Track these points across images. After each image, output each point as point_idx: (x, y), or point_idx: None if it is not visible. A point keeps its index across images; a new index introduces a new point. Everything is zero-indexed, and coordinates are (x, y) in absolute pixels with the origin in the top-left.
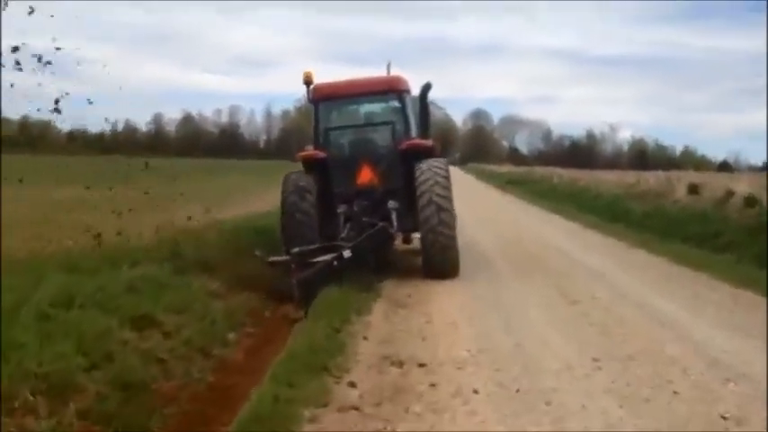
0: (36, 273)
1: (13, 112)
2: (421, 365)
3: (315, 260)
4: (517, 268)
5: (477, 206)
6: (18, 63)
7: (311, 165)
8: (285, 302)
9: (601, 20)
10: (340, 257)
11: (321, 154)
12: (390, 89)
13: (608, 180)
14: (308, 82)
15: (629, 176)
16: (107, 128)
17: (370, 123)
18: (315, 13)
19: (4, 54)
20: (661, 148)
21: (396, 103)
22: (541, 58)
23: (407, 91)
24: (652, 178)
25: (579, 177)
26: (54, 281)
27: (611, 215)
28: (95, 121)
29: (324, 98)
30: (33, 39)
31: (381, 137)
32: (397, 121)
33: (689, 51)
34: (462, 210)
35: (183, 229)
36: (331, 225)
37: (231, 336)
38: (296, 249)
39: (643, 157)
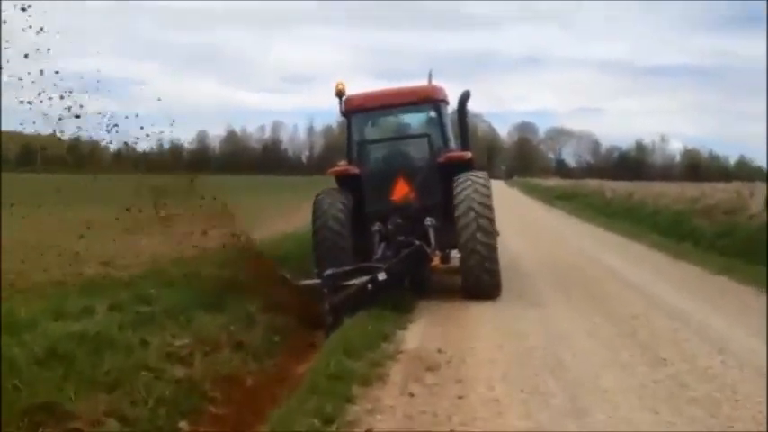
0: None
1: (63, 132)
2: None
3: (348, 283)
4: (576, 307)
5: (523, 225)
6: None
7: (344, 181)
8: (316, 329)
9: (648, 30)
10: (374, 280)
11: (354, 169)
12: (426, 99)
13: (666, 193)
14: (339, 94)
15: (689, 189)
16: (150, 144)
17: (406, 136)
18: (354, 28)
19: (46, 73)
20: (715, 159)
21: (432, 114)
22: (587, 70)
23: (445, 101)
24: (717, 192)
25: (633, 191)
26: None
27: (675, 234)
28: (142, 140)
29: (356, 110)
30: (80, 58)
31: (418, 150)
32: (434, 132)
33: (740, 60)
34: (507, 230)
35: (180, 258)
36: (365, 244)
37: (182, 426)
38: (328, 272)
39: (696, 168)
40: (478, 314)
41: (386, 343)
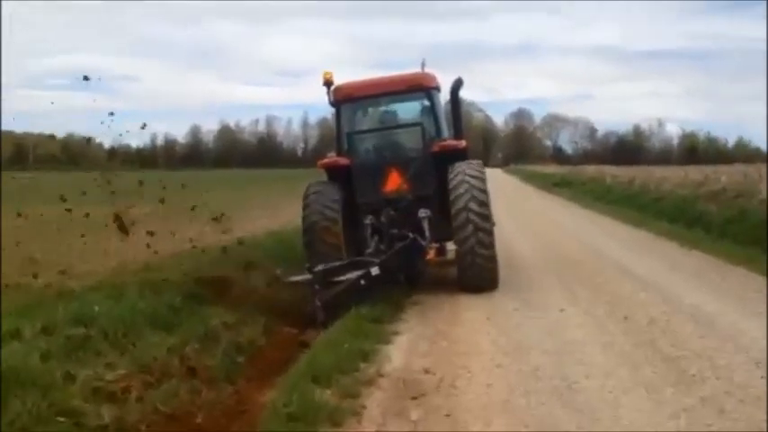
0: None
1: (57, 130)
2: None
3: (340, 278)
4: (585, 310)
5: (523, 215)
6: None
7: (334, 173)
8: (308, 328)
9: (640, 14)
10: (367, 275)
11: (344, 161)
12: (418, 87)
13: (668, 178)
14: (327, 83)
15: (692, 173)
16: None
17: (397, 125)
18: (347, 21)
19: (43, 72)
20: (713, 142)
21: (425, 102)
22: (581, 56)
23: (437, 88)
24: (721, 175)
25: (634, 176)
26: None
27: (682, 221)
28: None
29: (345, 99)
30: (72, 56)
31: (410, 139)
32: (426, 121)
33: (733, 42)
34: (505, 219)
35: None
36: (357, 238)
37: None
38: (319, 267)
39: (694, 151)
40: (474, 322)
41: (365, 363)
